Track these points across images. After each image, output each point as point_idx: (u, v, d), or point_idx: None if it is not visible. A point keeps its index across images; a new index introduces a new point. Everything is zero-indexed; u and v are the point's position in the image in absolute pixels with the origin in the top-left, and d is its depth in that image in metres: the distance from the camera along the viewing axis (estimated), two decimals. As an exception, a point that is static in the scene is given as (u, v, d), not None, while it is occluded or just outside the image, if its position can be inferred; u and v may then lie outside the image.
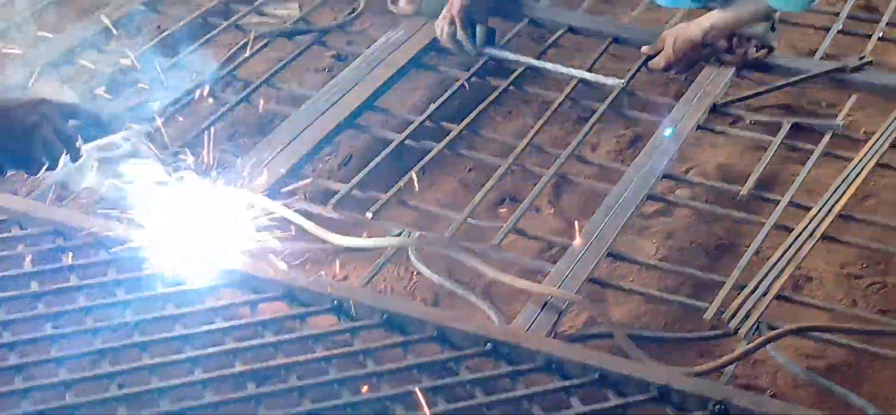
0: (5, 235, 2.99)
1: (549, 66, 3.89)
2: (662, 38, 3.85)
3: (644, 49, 3.88)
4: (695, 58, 3.83)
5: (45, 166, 2.73)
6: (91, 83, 3.59)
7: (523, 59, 3.90)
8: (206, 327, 2.73)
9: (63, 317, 2.75)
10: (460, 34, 3.87)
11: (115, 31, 3.98)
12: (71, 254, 2.92)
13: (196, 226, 2.96)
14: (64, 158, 2.74)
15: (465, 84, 3.75)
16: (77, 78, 3.69)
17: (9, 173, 2.86)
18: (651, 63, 3.86)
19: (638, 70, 3.84)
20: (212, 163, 3.19)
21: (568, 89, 3.76)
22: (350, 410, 2.54)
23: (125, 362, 2.63)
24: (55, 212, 3.08)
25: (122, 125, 2.84)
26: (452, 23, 3.87)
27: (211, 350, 2.67)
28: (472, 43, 3.88)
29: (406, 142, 3.50)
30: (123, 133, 2.86)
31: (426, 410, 2.52)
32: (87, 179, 2.99)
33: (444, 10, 3.91)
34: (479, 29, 3.89)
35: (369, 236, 3.12)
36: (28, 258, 2.90)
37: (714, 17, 3.77)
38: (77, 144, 2.76)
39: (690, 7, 3.89)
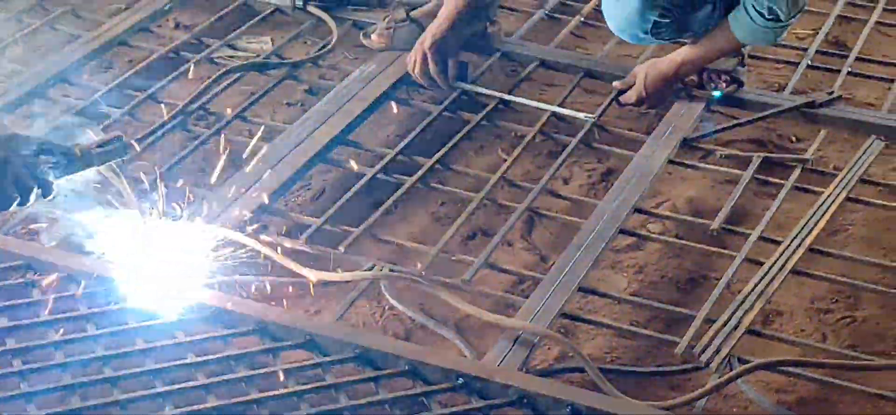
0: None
1: (521, 100, 3.91)
2: (634, 73, 3.87)
3: (615, 84, 3.89)
4: (666, 93, 3.85)
5: (16, 201, 2.71)
6: (62, 117, 3.59)
7: (495, 93, 3.91)
8: (177, 362, 2.73)
9: (33, 352, 2.74)
10: (432, 68, 3.88)
11: (86, 65, 3.98)
12: (41, 289, 2.91)
13: (167, 260, 2.95)
14: (35, 194, 2.72)
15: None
16: (48, 112, 3.69)
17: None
18: (622, 98, 3.87)
19: (609, 104, 3.85)
20: (183, 197, 3.18)
21: (540, 123, 3.78)
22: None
23: (95, 398, 2.62)
24: (26, 247, 3.06)
25: (94, 160, 2.82)
26: (424, 57, 3.88)
27: (182, 385, 2.66)
28: (445, 77, 3.89)
29: (378, 176, 3.51)
30: (95, 168, 2.84)
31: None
32: (58, 213, 2.98)
33: (416, 45, 3.92)
34: (451, 63, 3.90)
35: (342, 271, 3.11)
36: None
37: (685, 53, 3.79)
38: (49, 179, 2.75)
39: (658, 44, 3.90)
